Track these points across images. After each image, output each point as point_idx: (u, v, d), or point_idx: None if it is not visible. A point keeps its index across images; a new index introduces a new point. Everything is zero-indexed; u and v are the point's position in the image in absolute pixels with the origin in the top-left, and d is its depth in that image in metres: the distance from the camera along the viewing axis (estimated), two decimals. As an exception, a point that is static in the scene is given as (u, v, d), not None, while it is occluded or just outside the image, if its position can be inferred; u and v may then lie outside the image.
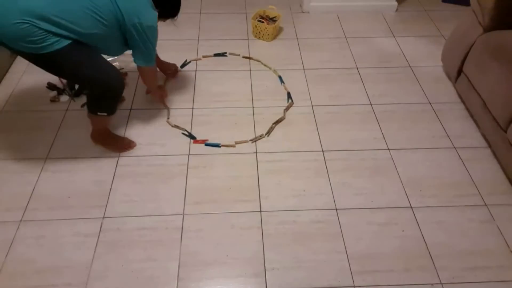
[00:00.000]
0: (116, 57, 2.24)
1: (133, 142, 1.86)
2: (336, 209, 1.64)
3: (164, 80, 2.20)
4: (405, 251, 1.51)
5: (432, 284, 1.42)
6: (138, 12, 1.48)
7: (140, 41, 1.55)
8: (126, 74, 2.22)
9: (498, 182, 1.75)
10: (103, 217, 1.58)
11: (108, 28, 1.46)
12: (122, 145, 1.84)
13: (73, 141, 1.86)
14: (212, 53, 2.41)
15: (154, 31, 1.57)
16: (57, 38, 1.35)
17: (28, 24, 1.28)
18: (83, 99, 2.07)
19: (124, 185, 1.69)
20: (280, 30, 2.64)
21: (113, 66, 1.66)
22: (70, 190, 1.66)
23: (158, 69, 2.07)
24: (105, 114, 1.70)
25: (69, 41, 1.38)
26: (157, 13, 1.56)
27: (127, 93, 2.11)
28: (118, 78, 1.63)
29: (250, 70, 2.32)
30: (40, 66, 1.48)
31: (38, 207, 1.60)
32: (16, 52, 1.41)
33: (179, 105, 2.07)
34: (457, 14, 2.77)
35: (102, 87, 1.59)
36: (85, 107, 1.74)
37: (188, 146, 1.87)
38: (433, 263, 1.48)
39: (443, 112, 2.07)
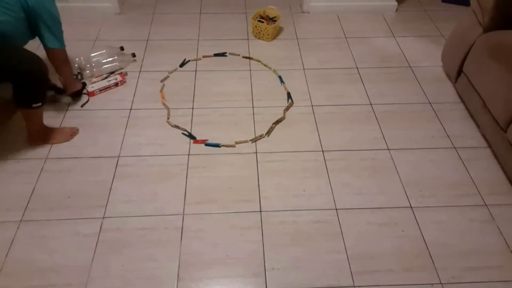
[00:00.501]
0: (116, 57, 2.23)
1: (74, 127, 1.87)
2: (336, 209, 1.64)
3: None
4: (405, 251, 1.51)
5: (432, 284, 1.42)
6: None
7: (50, 20, 1.57)
8: (126, 74, 2.22)
9: (498, 182, 1.75)
10: (103, 217, 1.58)
11: (14, 15, 1.48)
12: (66, 134, 1.83)
13: (73, 141, 1.86)
14: (212, 53, 2.41)
15: (55, 5, 1.61)
16: None
17: None
18: (83, 99, 2.07)
19: (124, 185, 1.69)
20: (280, 30, 2.64)
21: (30, 51, 1.60)
22: (70, 190, 1.66)
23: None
24: (40, 104, 1.64)
25: None
26: None
27: (127, 93, 2.12)
28: (39, 61, 1.58)
29: (250, 70, 2.32)
30: None
31: (38, 207, 1.60)
32: None
33: (179, 105, 2.07)
34: (457, 14, 2.77)
35: (29, 75, 1.54)
36: (16, 103, 1.64)
37: (188, 146, 1.87)
38: (433, 263, 1.48)
39: (443, 112, 2.07)
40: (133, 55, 2.29)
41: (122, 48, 2.29)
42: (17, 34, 1.58)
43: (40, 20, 1.57)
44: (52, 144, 1.81)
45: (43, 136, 1.80)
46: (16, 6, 1.50)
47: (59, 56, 1.73)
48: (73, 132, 1.85)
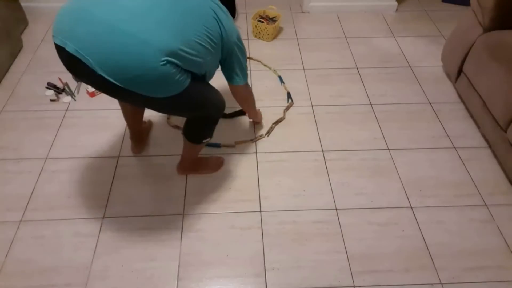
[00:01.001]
0: None
1: (220, 157, 1.80)
2: (336, 209, 1.64)
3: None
4: (405, 251, 1.51)
5: (432, 284, 1.42)
6: (233, 25, 1.35)
7: (240, 56, 1.41)
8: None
9: (498, 182, 1.75)
10: (103, 217, 1.58)
11: (215, 51, 1.28)
12: (214, 165, 1.77)
13: (73, 141, 1.86)
14: (212, 53, 2.41)
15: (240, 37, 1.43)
16: (185, 75, 1.17)
17: (165, 63, 1.08)
18: (83, 99, 2.07)
19: (124, 185, 1.69)
20: (280, 30, 2.64)
21: (215, 89, 1.46)
22: (70, 190, 1.66)
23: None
24: (209, 138, 1.54)
25: (191, 76, 1.21)
26: None
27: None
28: (222, 100, 1.46)
29: (250, 70, 2.32)
30: (153, 108, 1.33)
31: (38, 207, 1.60)
32: (125, 97, 1.23)
33: (179, 105, 2.07)
34: (457, 14, 2.78)
35: (215, 113, 1.45)
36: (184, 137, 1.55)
37: (188, 146, 1.87)
38: (433, 263, 1.48)
39: (443, 112, 2.07)
40: None
41: None
42: (214, 69, 1.41)
43: (233, 55, 1.39)
44: (200, 174, 1.74)
45: (193, 166, 1.73)
46: (218, 41, 1.27)
47: (244, 91, 1.57)
48: (220, 163, 1.78)
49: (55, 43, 1.11)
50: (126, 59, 1.06)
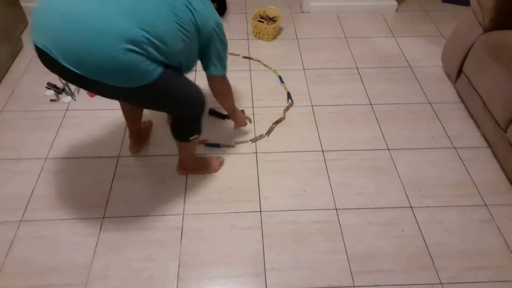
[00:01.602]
0: None
1: (220, 157, 1.80)
2: (336, 209, 1.64)
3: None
4: (405, 251, 1.51)
5: (432, 284, 1.42)
6: (212, 13, 1.31)
7: (219, 45, 1.36)
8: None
9: (498, 182, 1.75)
10: (103, 217, 1.58)
11: (189, 40, 1.23)
12: (215, 165, 1.76)
13: (73, 141, 1.86)
14: (212, 53, 2.41)
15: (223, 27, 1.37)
16: (155, 65, 1.14)
17: (127, 51, 1.05)
18: (83, 99, 2.07)
19: (124, 185, 1.69)
20: (280, 30, 2.63)
21: (193, 83, 1.41)
22: (70, 190, 1.66)
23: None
24: (197, 135, 1.53)
25: (162, 66, 1.17)
26: None
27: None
28: (202, 93, 1.42)
29: (250, 70, 2.32)
30: (131, 101, 1.32)
31: (38, 207, 1.60)
32: (97, 88, 1.19)
33: (179, 105, 2.07)
34: (457, 14, 2.78)
35: (194, 109, 1.41)
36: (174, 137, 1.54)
37: (188, 146, 1.87)
38: (433, 263, 1.48)
39: (443, 112, 2.07)
40: None
41: None
42: (191, 61, 1.38)
43: (210, 43, 1.34)
44: (201, 175, 1.74)
45: (193, 166, 1.72)
46: (191, 28, 1.22)
47: (221, 83, 1.52)
48: (220, 163, 1.78)
49: (32, 42, 1.12)
50: (86, 48, 1.04)
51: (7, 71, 2.22)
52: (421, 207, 1.65)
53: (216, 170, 1.76)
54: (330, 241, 1.53)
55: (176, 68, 1.28)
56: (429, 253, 1.51)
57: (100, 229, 1.54)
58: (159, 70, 1.15)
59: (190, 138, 1.51)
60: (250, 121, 1.93)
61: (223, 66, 1.45)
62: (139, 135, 1.83)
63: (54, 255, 1.46)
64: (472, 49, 1.91)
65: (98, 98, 2.08)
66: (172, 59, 1.21)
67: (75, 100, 2.07)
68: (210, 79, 1.48)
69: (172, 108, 1.38)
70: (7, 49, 2.22)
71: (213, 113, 2.01)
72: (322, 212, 1.62)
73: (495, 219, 1.62)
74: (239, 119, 1.85)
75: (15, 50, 2.32)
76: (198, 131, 1.51)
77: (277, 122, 2.00)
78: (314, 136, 1.94)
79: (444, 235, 1.56)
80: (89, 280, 1.40)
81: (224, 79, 1.52)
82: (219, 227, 1.57)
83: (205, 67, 1.44)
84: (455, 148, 1.89)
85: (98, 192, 1.66)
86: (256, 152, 1.85)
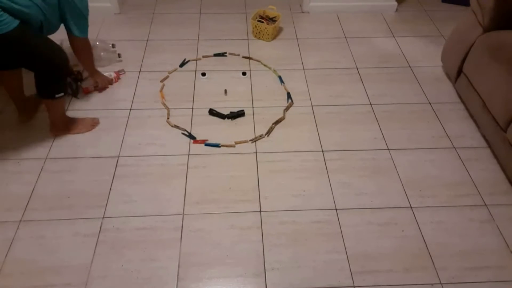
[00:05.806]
0: (101, 54, 2.21)
1: (95, 118, 1.91)
2: (336, 209, 1.64)
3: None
4: (405, 251, 1.51)
5: (432, 284, 1.42)
6: None
7: (78, 6, 1.59)
8: (124, 72, 2.22)
9: (498, 182, 1.75)
10: (103, 217, 1.58)
11: (45, 2, 1.47)
12: (88, 124, 1.87)
13: (73, 141, 1.86)
14: (212, 53, 2.41)
15: None
16: (10, 17, 1.35)
17: None
18: (83, 98, 2.07)
19: (124, 185, 1.69)
20: (280, 30, 2.64)
21: (53, 41, 1.63)
22: (70, 190, 1.66)
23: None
24: (63, 94, 1.69)
25: (18, 21, 1.38)
26: None
27: (127, 93, 2.12)
28: (62, 51, 1.64)
29: (250, 70, 2.32)
30: None
31: (38, 207, 1.60)
32: None
33: (179, 105, 2.07)
34: (457, 14, 2.78)
35: (53, 64, 1.59)
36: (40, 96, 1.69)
37: (188, 146, 1.87)
38: (433, 263, 1.48)
39: (443, 112, 2.07)
40: (119, 55, 2.28)
41: (113, 46, 2.28)
42: (51, 22, 1.58)
43: (67, 5, 1.57)
44: (74, 133, 1.85)
45: (65, 126, 1.84)
46: None
47: (81, 43, 1.75)
48: (94, 123, 1.88)
49: None
50: None
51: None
52: (421, 207, 1.65)
53: (88, 130, 1.85)
54: (330, 241, 1.53)
55: (38, 27, 1.51)
56: (429, 253, 1.51)
57: (100, 229, 1.54)
58: (14, 24, 1.36)
59: (56, 95, 1.66)
60: (111, 83, 2.11)
61: (83, 29, 1.69)
62: (25, 105, 1.91)
63: (54, 255, 1.46)
64: (472, 49, 1.91)
65: (98, 98, 2.08)
66: (31, 18, 1.43)
67: (78, 98, 2.06)
68: (73, 40, 1.72)
69: (32, 60, 1.54)
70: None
71: (213, 113, 2.01)
72: (322, 212, 1.62)
73: (495, 219, 1.62)
74: (99, 78, 2.03)
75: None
76: (63, 89, 1.68)
77: (277, 122, 2.00)
78: (314, 136, 1.94)
79: (444, 235, 1.56)
80: (89, 280, 1.40)
81: (84, 40, 1.76)
82: (219, 227, 1.57)
83: (66, 28, 1.66)
84: (455, 148, 1.89)
85: (98, 192, 1.66)
86: (256, 152, 1.85)
